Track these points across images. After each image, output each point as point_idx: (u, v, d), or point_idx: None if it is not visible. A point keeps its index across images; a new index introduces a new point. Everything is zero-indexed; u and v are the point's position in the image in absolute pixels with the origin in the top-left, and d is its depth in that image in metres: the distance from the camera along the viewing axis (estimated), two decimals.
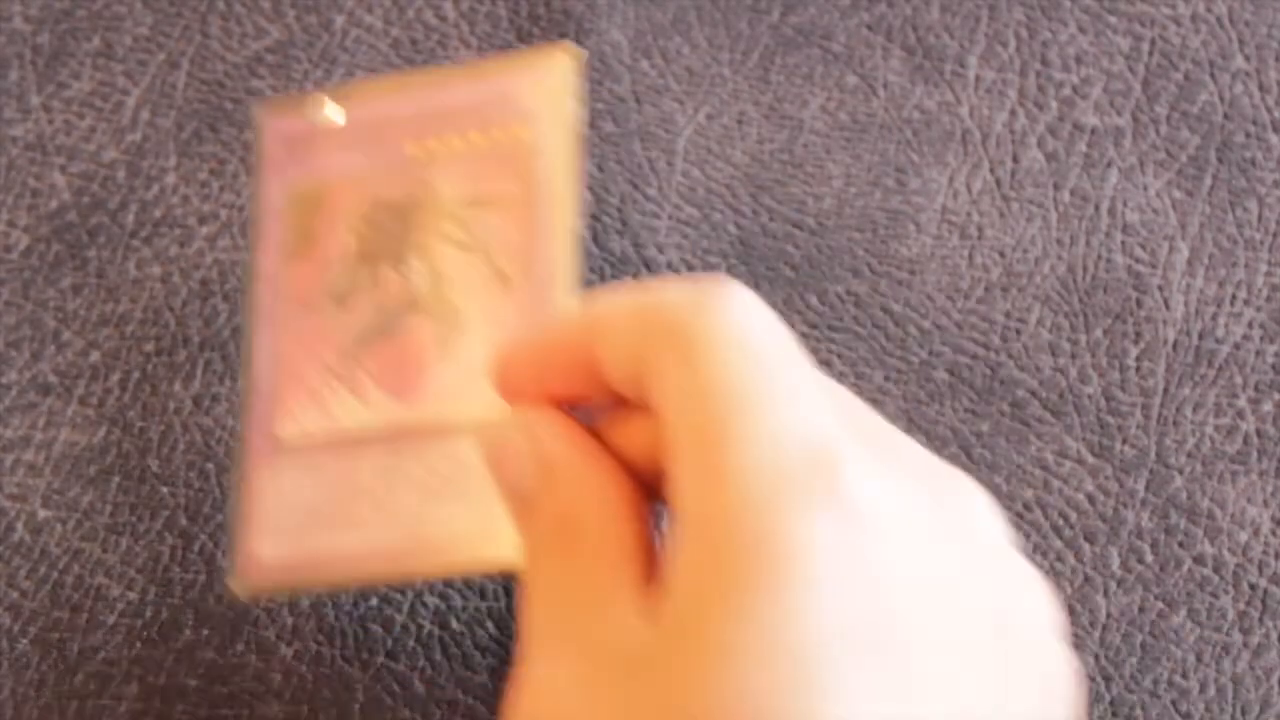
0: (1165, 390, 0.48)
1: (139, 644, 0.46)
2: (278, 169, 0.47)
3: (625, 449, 0.38)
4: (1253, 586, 0.46)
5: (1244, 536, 0.47)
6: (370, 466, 0.44)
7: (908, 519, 0.35)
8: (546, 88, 0.46)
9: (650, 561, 0.36)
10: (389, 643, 0.46)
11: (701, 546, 0.34)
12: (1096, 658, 0.46)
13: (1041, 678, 0.35)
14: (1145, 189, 0.50)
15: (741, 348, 0.35)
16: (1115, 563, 0.46)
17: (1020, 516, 0.47)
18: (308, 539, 0.44)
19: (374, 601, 0.46)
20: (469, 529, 0.43)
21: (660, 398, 0.35)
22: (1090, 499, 0.47)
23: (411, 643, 0.46)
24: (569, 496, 0.37)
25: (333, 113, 0.48)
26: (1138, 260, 0.49)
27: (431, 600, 0.46)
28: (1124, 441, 0.48)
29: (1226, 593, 0.46)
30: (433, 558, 0.43)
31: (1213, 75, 0.50)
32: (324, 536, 0.44)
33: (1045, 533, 0.47)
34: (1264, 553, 0.46)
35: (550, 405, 0.39)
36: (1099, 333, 0.48)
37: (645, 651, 0.34)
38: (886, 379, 0.48)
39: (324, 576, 0.44)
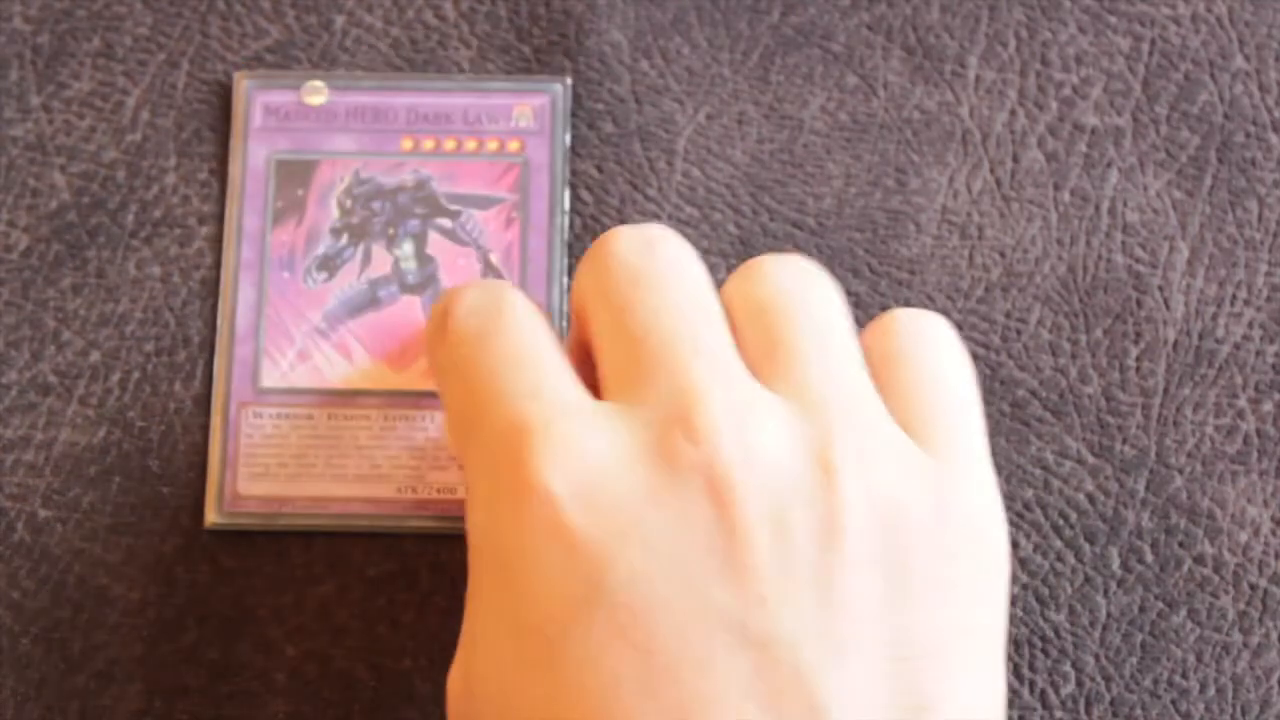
0: (1165, 390, 0.48)
1: (141, 644, 0.46)
2: (263, 136, 0.49)
3: None
4: (1253, 586, 0.46)
5: (1244, 536, 0.47)
6: (362, 425, 0.47)
7: (616, 480, 0.36)
8: (541, 114, 0.50)
9: None
10: (394, 643, 0.46)
11: (469, 560, 0.38)
12: (1096, 658, 0.46)
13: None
14: (1145, 189, 0.50)
15: (462, 358, 0.38)
16: (1115, 563, 0.47)
17: (1020, 516, 0.47)
18: (293, 483, 0.46)
19: (380, 602, 0.46)
20: (464, 495, 0.46)
21: None
22: (1090, 499, 0.47)
23: (414, 642, 0.46)
24: None
25: (326, 95, 0.50)
26: (1138, 260, 0.49)
27: (438, 601, 0.46)
28: (1124, 441, 0.48)
29: (1226, 593, 0.46)
30: (426, 516, 0.46)
31: (1213, 75, 0.50)
32: (310, 483, 0.46)
33: (1045, 533, 0.47)
34: (1264, 553, 0.46)
35: None
36: (1099, 333, 0.49)
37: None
38: None
39: (306, 519, 0.46)
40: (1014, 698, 0.45)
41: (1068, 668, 0.46)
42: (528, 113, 0.50)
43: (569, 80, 0.50)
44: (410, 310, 0.48)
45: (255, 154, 0.49)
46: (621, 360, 0.38)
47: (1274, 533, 0.47)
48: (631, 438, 0.36)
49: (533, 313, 0.39)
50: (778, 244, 0.49)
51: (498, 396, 0.37)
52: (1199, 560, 0.47)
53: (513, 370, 0.37)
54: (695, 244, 0.49)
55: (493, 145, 0.49)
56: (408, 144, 0.49)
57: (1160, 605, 0.46)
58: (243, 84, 0.50)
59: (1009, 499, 0.47)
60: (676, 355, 0.37)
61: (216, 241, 0.49)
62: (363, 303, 0.48)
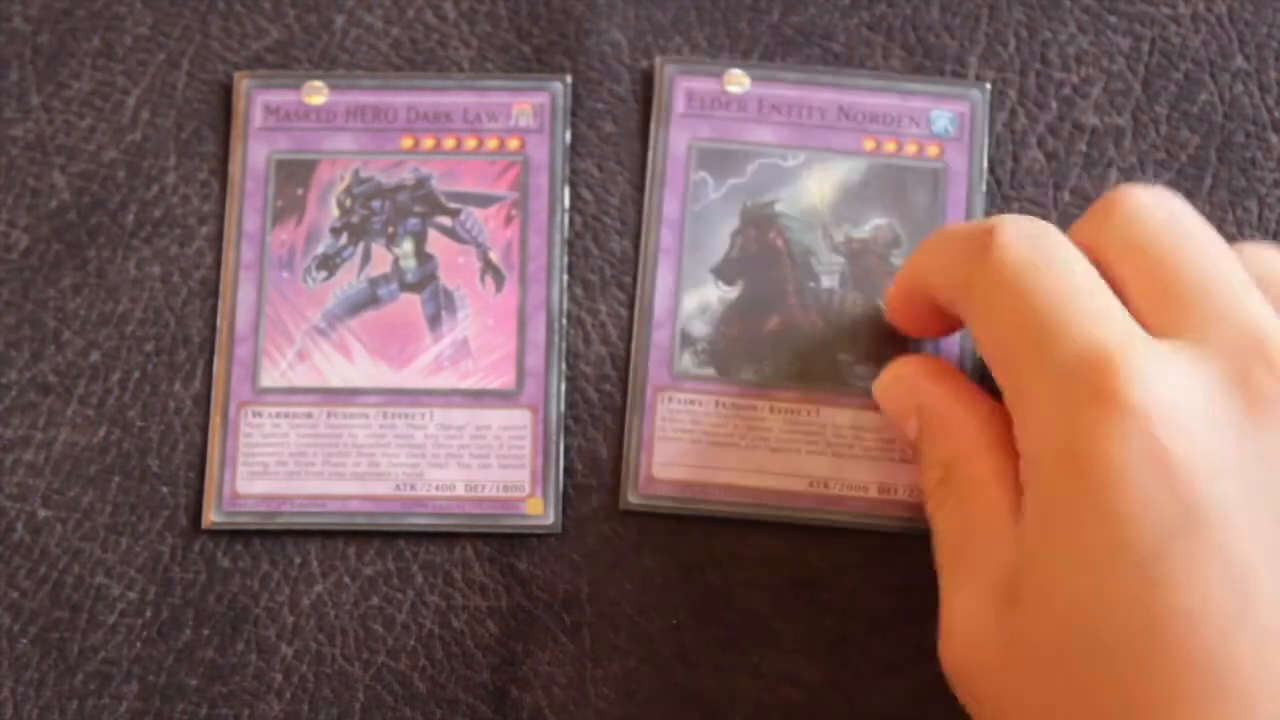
0: None
1: (139, 643, 0.46)
2: (263, 136, 0.50)
3: None
4: None
5: None
6: (362, 424, 0.47)
7: (1201, 408, 0.36)
8: (541, 112, 0.50)
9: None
10: (390, 641, 0.46)
11: (1028, 472, 0.38)
12: None
13: None
14: None
15: (1019, 281, 0.39)
16: None
17: None
18: (292, 482, 0.47)
19: (374, 600, 0.46)
20: (464, 493, 0.46)
21: (974, 335, 0.40)
22: None
23: (412, 642, 0.46)
24: (945, 444, 0.40)
25: (326, 95, 0.50)
26: None
27: (432, 599, 0.46)
28: None
29: None
30: (425, 514, 0.46)
31: (1213, 75, 0.50)
32: (309, 482, 0.47)
33: None
34: None
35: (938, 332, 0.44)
36: None
37: (1014, 575, 0.38)
38: None
39: (305, 517, 0.46)
40: None
41: None
42: (527, 111, 0.50)
43: (569, 79, 0.50)
44: (410, 308, 0.48)
45: (255, 153, 0.49)
46: (1168, 302, 0.39)
47: None
48: (1205, 369, 0.37)
49: (1073, 244, 0.40)
50: None
51: (1071, 318, 0.38)
52: None
53: (1081, 295, 0.38)
54: None
55: (492, 144, 0.49)
56: (407, 143, 0.49)
57: None
58: (243, 84, 0.50)
59: None
60: (1231, 297, 0.38)
61: (216, 241, 0.49)
62: (362, 301, 0.48)
